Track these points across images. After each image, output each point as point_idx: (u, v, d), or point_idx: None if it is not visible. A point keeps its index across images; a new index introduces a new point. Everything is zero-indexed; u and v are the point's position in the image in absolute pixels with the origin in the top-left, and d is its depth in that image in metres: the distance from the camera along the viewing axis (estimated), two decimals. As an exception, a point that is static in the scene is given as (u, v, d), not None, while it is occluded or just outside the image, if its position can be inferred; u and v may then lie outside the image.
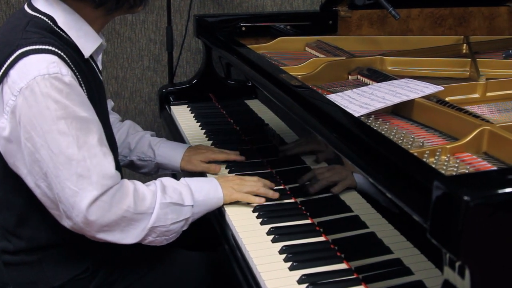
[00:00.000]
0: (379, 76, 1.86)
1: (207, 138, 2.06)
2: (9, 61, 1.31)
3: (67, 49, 1.36)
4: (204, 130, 2.13)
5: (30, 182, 1.35)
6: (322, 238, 1.42)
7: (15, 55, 1.30)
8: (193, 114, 2.31)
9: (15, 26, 1.39)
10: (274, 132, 1.80)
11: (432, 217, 0.93)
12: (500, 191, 0.89)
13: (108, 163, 1.35)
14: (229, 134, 2.12)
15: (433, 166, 1.20)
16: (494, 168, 1.24)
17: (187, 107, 2.40)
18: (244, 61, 1.93)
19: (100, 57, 1.56)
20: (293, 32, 2.43)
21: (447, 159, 1.28)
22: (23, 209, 1.45)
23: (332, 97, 1.65)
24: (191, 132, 2.14)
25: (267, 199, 1.58)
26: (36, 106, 1.28)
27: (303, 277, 1.26)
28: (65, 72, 1.30)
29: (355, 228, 1.32)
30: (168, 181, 1.48)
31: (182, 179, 1.53)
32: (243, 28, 2.39)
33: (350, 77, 1.97)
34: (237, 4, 2.98)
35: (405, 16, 2.47)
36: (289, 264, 1.31)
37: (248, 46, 2.11)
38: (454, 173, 1.21)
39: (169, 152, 1.81)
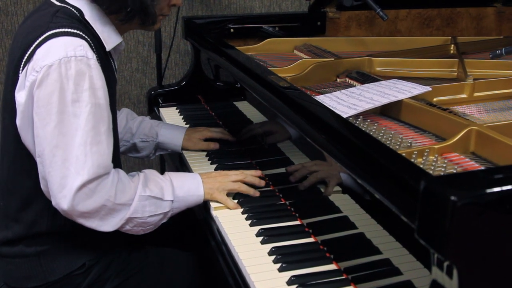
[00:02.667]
0: (368, 80, 1.87)
1: (196, 140, 2.06)
2: (38, 41, 1.35)
3: (93, 39, 1.41)
4: (193, 132, 2.12)
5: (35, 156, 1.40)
6: (311, 239, 1.42)
7: (44, 35, 1.35)
8: (182, 116, 2.31)
9: (43, 14, 1.43)
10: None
11: (420, 217, 0.93)
12: (487, 191, 0.89)
13: (108, 153, 1.39)
14: (218, 135, 2.11)
15: (421, 166, 1.21)
16: (482, 168, 1.24)
17: (176, 109, 2.40)
18: (233, 62, 1.93)
19: (116, 57, 1.60)
20: (282, 34, 2.43)
21: (435, 159, 1.28)
22: (29, 192, 1.47)
23: (321, 98, 1.65)
24: (180, 134, 2.13)
25: (256, 202, 1.58)
26: (55, 85, 1.31)
27: (292, 278, 1.26)
28: (91, 56, 1.35)
29: (344, 229, 1.32)
30: (152, 174, 1.52)
31: (166, 173, 1.55)
32: (232, 30, 2.39)
33: (338, 80, 1.97)
34: (225, 6, 2.98)
35: (393, 17, 2.48)
36: (279, 265, 1.31)
37: (236, 47, 2.11)
38: (442, 173, 1.21)
39: (172, 132, 1.93)
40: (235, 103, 2.08)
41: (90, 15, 1.45)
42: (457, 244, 0.88)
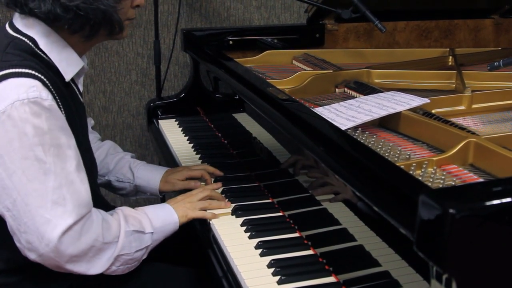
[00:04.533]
0: (366, 89, 1.87)
1: (195, 152, 2.06)
2: None
3: (48, 72, 1.33)
4: (192, 144, 2.13)
5: None
6: (310, 252, 1.42)
7: None
8: (181, 128, 2.31)
9: None
10: (262, 145, 1.80)
11: (419, 230, 0.93)
12: (486, 203, 0.89)
13: (84, 190, 1.33)
14: (217, 147, 2.12)
15: (420, 178, 1.21)
16: (480, 180, 1.24)
17: (175, 121, 2.40)
18: (232, 75, 1.93)
19: (81, 79, 1.53)
20: (280, 46, 2.44)
21: (433, 172, 1.28)
22: (1, 231, 1.38)
23: (319, 110, 1.65)
24: (179, 146, 2.14)
25: (255, 214, 1.58)
26: (13, 131, 1.24)
27: (291, 291, 1.26)
28: (45, 96, 1.27)
29: (343, 241, 1.32)
30: (127, 210, 1.48)
31: (137, 208, 1.52)
32: (231, 42, 2.39)
33: (337, 90, 1.98)
34: (225, 18, 2.99)
35: (391, 29, 2.49)
36: (278, 278, 1.30)
37: (235, 59, 2.12)
38: (441, 185, 1.21)
39: (148, 174, 1.80)
40: (234, 115, 2.08)
41: (46, 43, 1.36)
42: (456, 257, 0.88)
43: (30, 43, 1.36)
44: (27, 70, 1.28)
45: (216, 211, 1.61)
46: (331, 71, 2.08)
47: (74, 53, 1.42)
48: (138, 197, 1.90)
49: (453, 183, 1.23)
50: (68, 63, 1.41)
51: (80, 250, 1.32)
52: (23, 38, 1.36)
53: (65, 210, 1.28)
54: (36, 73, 1.29)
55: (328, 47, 2.45)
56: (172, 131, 2.29)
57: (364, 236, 1.25)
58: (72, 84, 1.47)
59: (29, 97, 1.25)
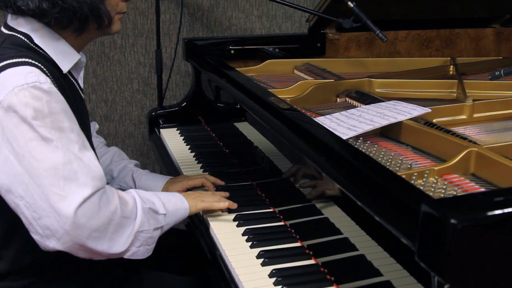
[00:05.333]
0: (368, 99, 1.87)
1: (197, 161, 2.06)
2: None
3: (45, 63, 1.35)
4: (193, 153, 2.13)
5: (10, 201, 1.32)
6: (311, 261, 1.41)
7: None
8: (182, 137, 2.31)
9: None
10: (263, 154, 1.80)
11: (420, 240, 0.93)
12: (488, 213, 0.89)
13: (93, 164, 1.33)
14: (218, 157, 2.12)
15: (421, 188, 1.21)
16: (482, 189, 1.24)
17: (177, 130, 2.41)
18: (233, 84, 1.94)
19: (81, 74, 1.55)
20: (282, 55, 2.45)
21: (435, 181, 1.28)
22: (6, 231, 1.41)
23: (321, 119, 1.66)
24: (181, 155, 2.14)
25: (257, 223, 1.58)
26: (16, 117, 1.26)
27: (293, 301, 1.25)
28: (44, 80, 1.29)
29: (344, 250, 1.32)
30: (140, 192, 1.49)
31: (149, 192, 1.53)
32: (232, 51, 2.40)
33: (338, 99, 1.98)
34: (226, 27, 3.00)
35: (393, 38, 2.49)
36: (279, 288, 1.31)
37: (237, 69, 2.12)
38: (442, 195, 1.21)
39: (150, 184, 1.81)
40: (235, 124, 2.09)
41: (40, 38, 1.39)
42: (457, 267, 0.88)
43: (25, 39, 1.38)
44: (23, 59, 1.31)
45: (217, 217, 1.61)
46: (333, 80, 2.08)
47: (69, 47, 1.44)
48: None
49: (455, 193, 1.23)
50: (63, 55, 1.42)
51: (100, 223, 1.31)
52: (18, 35, 1.39)
53: (78, 184, 1.28)
54: (33, 61, 1.31)
55: (329, 56, 2.46)
56: (173, 140, 2.29)
57: (366, 246, 1.25)
58: (72, 79, 1.48)
59: (28, 82, 1.27)
